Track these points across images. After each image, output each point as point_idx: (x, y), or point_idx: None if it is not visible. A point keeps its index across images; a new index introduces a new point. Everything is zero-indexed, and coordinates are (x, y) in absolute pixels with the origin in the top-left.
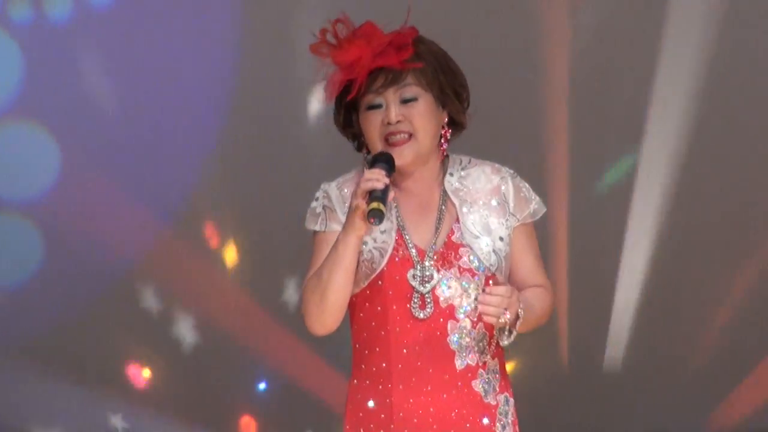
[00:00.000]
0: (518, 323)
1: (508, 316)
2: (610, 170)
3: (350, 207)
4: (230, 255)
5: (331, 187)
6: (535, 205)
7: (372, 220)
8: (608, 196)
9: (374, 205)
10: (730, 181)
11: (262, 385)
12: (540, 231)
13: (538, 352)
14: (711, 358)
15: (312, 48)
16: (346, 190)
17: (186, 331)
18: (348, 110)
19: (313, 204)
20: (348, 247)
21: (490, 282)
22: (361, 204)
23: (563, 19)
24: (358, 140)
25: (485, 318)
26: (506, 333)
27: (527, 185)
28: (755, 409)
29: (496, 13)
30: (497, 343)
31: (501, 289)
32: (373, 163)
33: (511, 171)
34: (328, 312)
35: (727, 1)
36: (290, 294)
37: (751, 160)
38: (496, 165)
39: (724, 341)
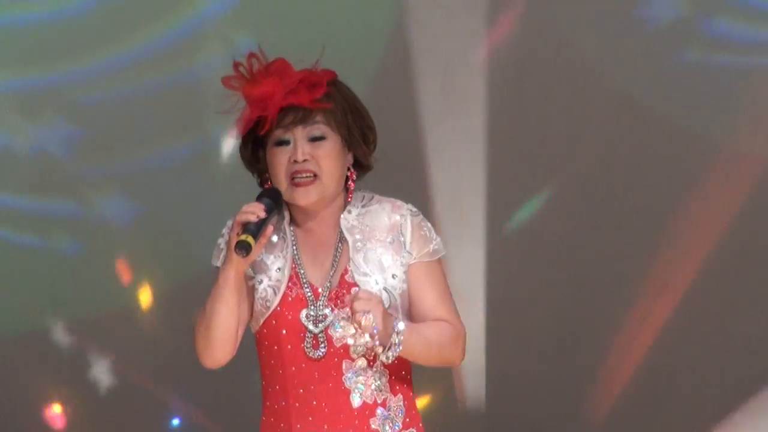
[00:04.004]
0: (395, 340)
1: (371, 318)
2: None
3: (228, 240)
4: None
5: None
6: (434, 245)
7: (237, 252)
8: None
9: (242, 237)
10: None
11: (175, 421)
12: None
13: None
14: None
15: (224, 81)
16: None
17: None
18: (255, 145)
19: (219, 240)
20: (227, 281)
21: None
22: (232, 236)
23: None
24: (263, 176)
25: (356, 316)
26: (384, 349)
27: (429, 225)
28: None
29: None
30: (402, 380)
31: (362, 293)
32: (258, 198)
33: (413, 209)
34: (213, 345)
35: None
36: None
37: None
38: (398, 202)
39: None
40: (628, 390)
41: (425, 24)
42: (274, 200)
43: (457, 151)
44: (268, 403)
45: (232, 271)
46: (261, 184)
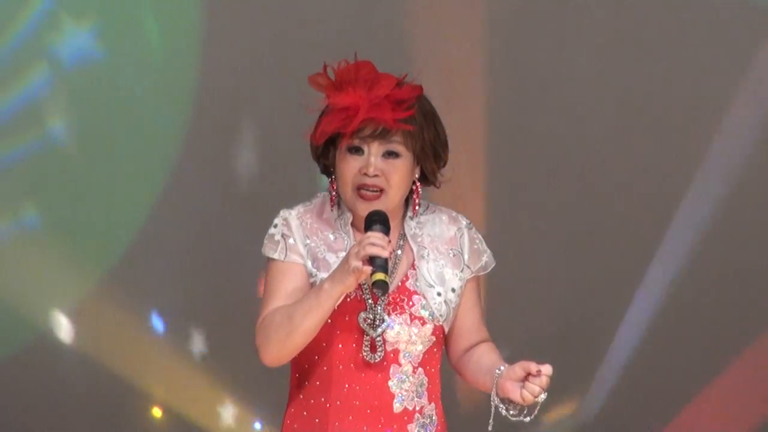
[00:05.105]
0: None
1: (545, 395)
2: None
3: (346, 262)
4: None
5: (291, 216)
6: (486, 257)
7: (376, 291)
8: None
9: (381, 276)
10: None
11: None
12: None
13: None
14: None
15: (310, 79)
16: (309, 223)
17: None
18: (326, 140)
19: (272, 230)
20: (332, 299)
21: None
22: (365, 269)
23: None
24: (327, 171)
25: (527, 398)
26: (533, 409)
27: (481, 237)
28: None
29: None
30: (436, 388)
31: (550, 369)
32: (369, 223)
33: (468, 221)
34: (289, 351)
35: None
36: None
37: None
38: (453, 213)
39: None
40: (625, 389)
41: (425, 24)
42: (386, 227)
43: (458, 152)
44: (301, 396)
45: (343, 292)
46: (323, 171)
